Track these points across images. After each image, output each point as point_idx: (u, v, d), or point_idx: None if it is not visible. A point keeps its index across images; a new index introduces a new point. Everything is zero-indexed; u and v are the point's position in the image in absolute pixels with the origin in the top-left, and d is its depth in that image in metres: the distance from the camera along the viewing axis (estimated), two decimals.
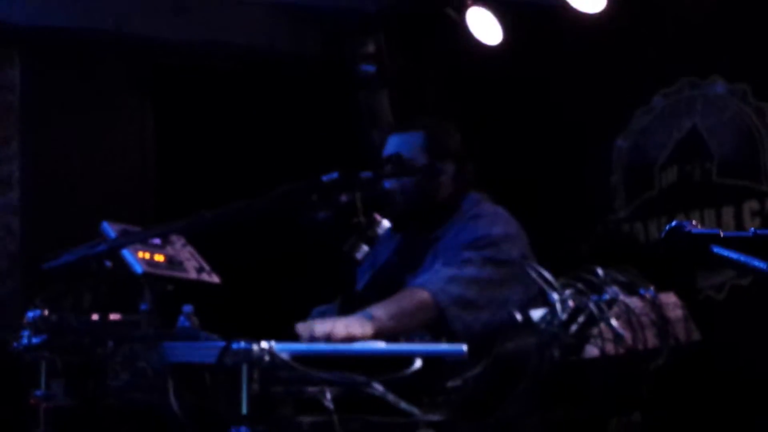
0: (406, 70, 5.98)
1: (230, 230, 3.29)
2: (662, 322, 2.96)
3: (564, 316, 2.81)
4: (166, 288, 3.32)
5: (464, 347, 2.79)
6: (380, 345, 2.92)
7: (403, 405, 2.64)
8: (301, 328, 3.24)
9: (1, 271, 5.50)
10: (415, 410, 2.66)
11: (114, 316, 3.15)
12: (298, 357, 2.64)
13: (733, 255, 2.19)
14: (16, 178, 5.61)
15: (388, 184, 3.79)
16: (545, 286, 2.83)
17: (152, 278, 3.30)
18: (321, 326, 3.20)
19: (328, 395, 2.64)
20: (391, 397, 2.62)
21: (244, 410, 2.58)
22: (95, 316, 3.12)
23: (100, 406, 3.00)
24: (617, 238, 5.13)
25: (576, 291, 2.85)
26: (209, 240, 3.51)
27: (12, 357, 3.07)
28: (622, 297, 2.95)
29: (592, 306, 2.83)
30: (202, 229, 3.24)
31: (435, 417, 2.72)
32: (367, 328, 3.28)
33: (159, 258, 3.40)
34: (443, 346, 2.94)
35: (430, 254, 3.70)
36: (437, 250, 3.69)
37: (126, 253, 3.29)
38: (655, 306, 3.01)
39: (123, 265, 3.28)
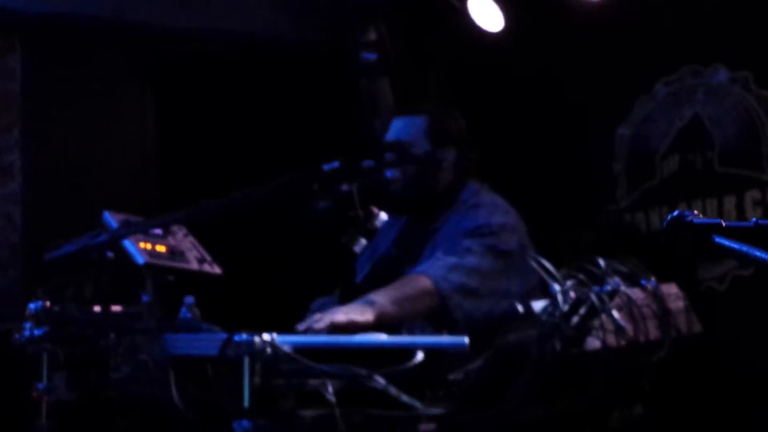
0: (407, 58, 5.96)
1: (232, 220, 3.29)
2: (664, 314, 2.96)
3: (565, 308, 2.82)
4: (167, 279, 3.32)
5: (466, 339, 2.79)
6: (382, 338, 2.92)
7: (405, 398, 2.64)
8: (301, 327, 3.24)
9: (3, 261, 5.50)
10: (416, 403, 2.67)
11: (115, 308, 3.16)
12: (300, 349, 2.65)
13: (734, 245, 2.18)
14: (18, 167, 5.60)
15: (389, 172, 3.79)
16: (546, 277, 2.83)
17: (154, 269, 3.30)
18: (320, 321, 3.20)
19: (330, 388, 2.65)
20: (392, 389, 2.62)
21: (246, 403, 2.58)
22: (97, 308, 3.12)
23: (101, 399, 3.00)
24: (619, 228, 5.13)
25: (577, 282, 2.85)
26: (211, 230, 3.51)
27: (14, 349, 3.07)
28: (623, 288, 2.95)
29: (593, 297, 2.83)
30: (203, 219, 3.24)
31: (437, 410, 2.72)
32: (368, 314, 3.28)
33: (160, 248, 3.40)
34: (445, 339, 2.94)
35: (429, 245, 3.70)
36: (436, 240, 3.69)
37: (127, 243, 3.29)
38: (657, 297, 3.01)
39: (124, 256, 3.28)
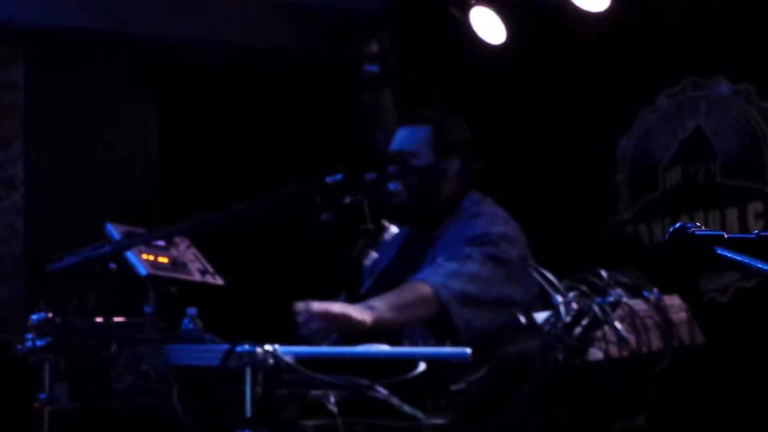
0: (409, 70, 5.97)
1: (234, 231, 3.29)
2: (666, 325, 2.96)
3: (568, 319, 2.82)
4: (169, 290, 3.32)
5: (468, 350, 2.79)
6: (384, 348, 2.92)
7: (407, 408, 2.64)
8: (300, 305, 3.24)
9: (5, 272, 5.50)
10: (419, 413, 2.67)
11: (118, 319, 3.15)
12: (302, 360, 2.65)
13: (737, 257, 2.17)
14: (20, 179, 5.61)
15: (392, 184, 3.79)
16: (549, 288, 2.83)
17: (156, 280, 3.30)
18: (318, 308, 3.21)
19: (332, 398, 2.65)
20: (395, 400, 2.62)
21: (248, 413, 2.58)
22: (99, 319, 3.12)
23: (103, 409, 3.00)
24: (621, 240, 5.12)
25: (580, 293, 2.86)
26: (213, 241, 3.51)
27: (16, 359, 3.07)
28: (625, 299, 2.95)
29: (595, 308, 2.83)
30: (205, 231, 3.24)
31: (439, 420, 2.72)
32: (366, 316, 3.28)
33: (163, 260, 3.40)
34: (447, 350, 2.94)
35: (429, 253, 3.70)
36: (436, 248, 3.69)
37: (130, 254, 3.29)
38: (659, 308, 3.01)
39: (127, 267, 3.28)
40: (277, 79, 6.06)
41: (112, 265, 3.14)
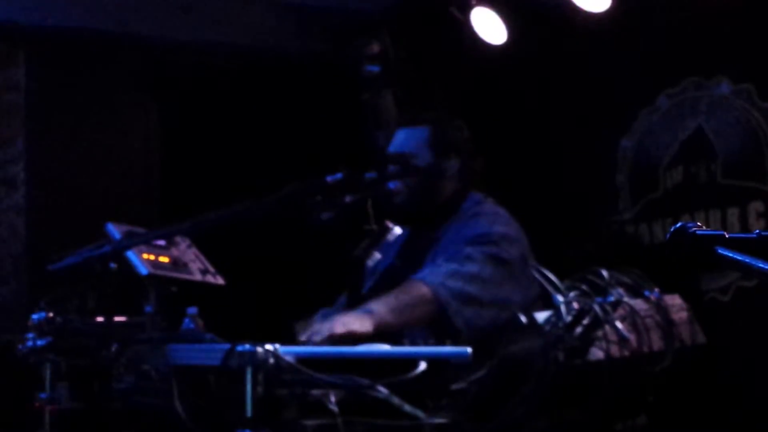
0: (410, 71, 5.97)
1: (235, 231, 3.29)
2: (667, 325, 2.97)
3: (569, 319, 2.82)
4: (170, 290, 3.32)
5: (469, 350, 2.79)
6: (385, 348, 2.91)
7: (408, 408, 2.64)
8: (302, 335, 3.24)
9: (6, 272, 5.50)
10: (419, 413, 2.66)
11: (119, 318, 3.15)
12: (303, 360, 2.64)
13: (738, 257, 2.17)
14: (21, 178, 5.61)
15: (392, 183, 3.79)
16: (550, 288, 2.83)
17: (157, 280, 3.30)
18: (319, 333, 3.19)
19: (333, 398, 2.64)
20: (395, 399, 2.62)
21: (249, 413, 2.58)
22: (100, 318, 3.12)
23: (104, 409, 3.00)
24: (622, 240, 5.13)
25: (581, 293, 2.86)
26: (214, 241, 3.51)
27: (17, 359, 3.06)
28: (626, 299, 2.96)
29: (596, 308, 2.83)
30: (206, 231, 3.24)
31: (440, 420, 2.72)
32: (367, 323, 3.27)
33: (164, 259, 3.40)
34: (448, 349, 2.94)
35: (430, 253, 3.69)
36: (437, 248, 3.69)
37: (131, 254, 3.29)
38: (660, 308, 3.01)
39: (128, 267, 3.28)
40: (277, 79, 6.06)
41: (113, 265, 3.14)
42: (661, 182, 5.03)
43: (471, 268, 3.51)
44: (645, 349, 2.88)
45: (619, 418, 3.06)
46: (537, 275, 3.49)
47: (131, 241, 3.29)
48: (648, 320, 2.95)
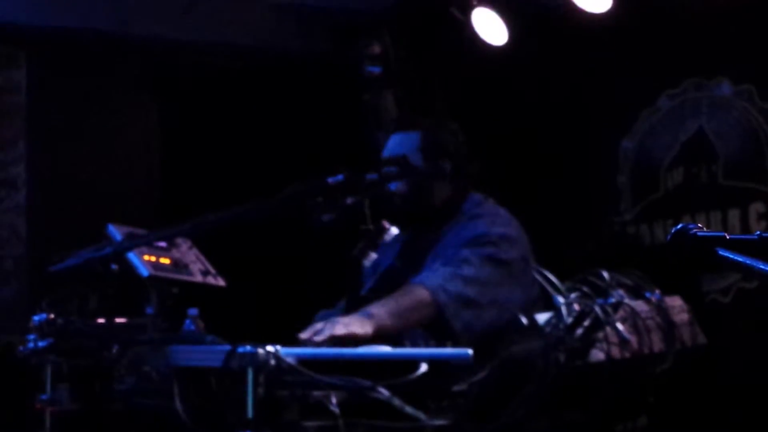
0: (411, 71, 5.97)
1: (236, 233, 3.29)
2: (668, 326, 2.97)
3: (569, 320, 2.82)
4: (171, 291, 3.32)
5: (470, 351, 2.79)
6: (385, 349, 2.91)
7: (409, 409, 2.63)
8: (303, 336, 3.24)
9: (7, 273, 5.51)
10: (420, 414, 2.66)
11: (120, 320, 3.15)
12: (304, 361, 2.64)
13: (739, 258, 2.17)
14: (23, 179, 5.62)
15: (393, 185, 3.79)
16: (551, 290, 2.83)
17: (158, 281, 3.30)
18: (321, 335, 3.20)
19: (334, 399, 2.64)
20: (396, 401, 2.62)
21: (250, 414, 2.58)
22: (101, 320, 3.12)
23: (105, 410, 3.00)
24: (623, 241, 5.13)
25: (581, 294, 2.86)
26: (215, 242, 3.51)
27: (18, 360, 3.06)
28: (627, 300, 2.95)
29: (597, 309, 2.83)
30: (207, 232, 3.24)
31: (441, 421, 2.72)
32: (367, 327, 3.27)
33: (165, 261, 3.40)
34: (449, 350, 2.94)
35: (430, 255, 3.70)
36: (437, 250, 3.69)
37: (132, 256, 3.29)
38: (661, 309, 3.01)
39: (129, 268, 3.28)
40: (278, 80, 6.07)
41: (114, 266, 3.14)
42: (662, 183, 5.03)
43: (469, 270, 3.52)
44: (646, 350, 2.88)
45: (619, 419, 3.06)
46: (538, 276, 3.49)
47: (132, 242, 3.29)
48: (649, 322, 2.95)
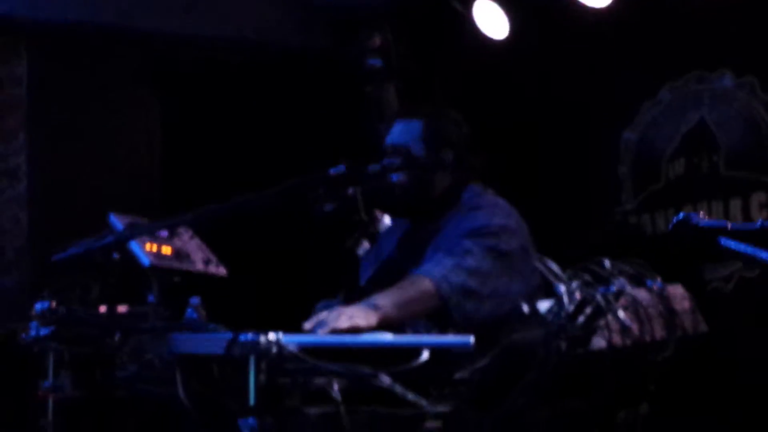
0: (412, 64, 5.98)
1: (237, 222, 3.30)
2: (669, 314, 2.96)
3: (571, 308, 2.81)
4: (173, 280, 3.32)
5: (471, 339, 2.79)
6: (387, 337, 2.92)
7: (411, 396, 2.63)
8: (308, 326, 3.24)
9: (9, 262, 5.52)
10: (422, 401, 2.66)
11: (121, 308, 3.16)
12: (306, 348, 2.64)
13: (740, 247, 2.18)
14: (24, 170, 5.63)
15: (395, 176, 3.79)
16: (552, 278, 2.83)
17: (159, 270, 3.31)
18: (323, 325, 3.19)
19: (336, 387, 2.64)
20: (398, 388, 2.62)
21: (252, 401, 2.58)
22: (103, 308, 3.12)
23: (107, 398, 3.01)
24: (624, 230, 5.13)
25: (583, 283, 2.85)
26: (216, 232, 3.51)
27: (20, 348, 3.07)
28: (629, 289, 2.95)
29: (599, 298, 2.83)
30: (209, 222, 3.24)
31: (442, 408, 2.72)
32: (372, 318, 3.27)
33: (166, 250, 3.41)
34: (450, 338, 2.94)
35: (430, 246, 3.69)
36: (437, 241, 3.69)
37: (133, 245, 3.30)
38: (663, 298, 3.01)
39: (130, 258, 3.29)
40: (280, 73, 6.07)
41: (116, 256, 3.15)
42: (664, 174, 5.03)
43: (471, 261, 3.51)
44: (647, 338, 2.87)
45: (621, 407, 3.06)
46: (539, 265, 3.48)
47: (134, 231, 3.30)
48: (650, 310, 2.94)
